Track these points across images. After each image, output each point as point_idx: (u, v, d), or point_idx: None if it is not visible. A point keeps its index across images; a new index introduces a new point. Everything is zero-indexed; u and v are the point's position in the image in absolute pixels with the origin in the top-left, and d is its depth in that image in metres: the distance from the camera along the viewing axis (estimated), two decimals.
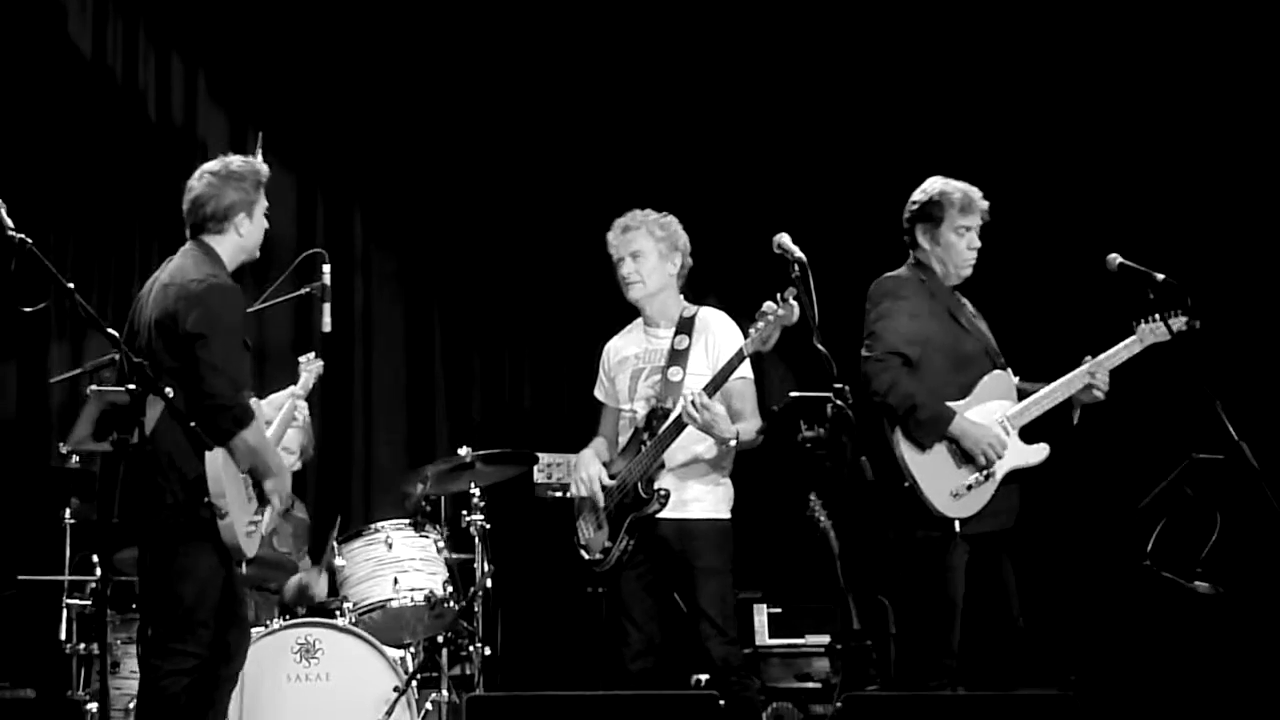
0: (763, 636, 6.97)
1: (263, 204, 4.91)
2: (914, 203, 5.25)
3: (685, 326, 5.31)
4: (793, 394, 6.43)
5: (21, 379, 7.24)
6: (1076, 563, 6.96)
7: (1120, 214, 7.13)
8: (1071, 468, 5.37)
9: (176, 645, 4.61)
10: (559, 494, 7.03)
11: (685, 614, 5.17)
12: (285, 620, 5.66)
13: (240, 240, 4.86)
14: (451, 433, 7.83)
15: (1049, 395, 5.14)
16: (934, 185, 5.24)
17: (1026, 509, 5.16)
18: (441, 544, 5.94)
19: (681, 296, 5.40)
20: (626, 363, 5.39)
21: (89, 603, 5.83)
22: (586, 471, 5.28)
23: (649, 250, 5.29)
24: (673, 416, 5.09)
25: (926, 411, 4.97)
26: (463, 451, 5.99)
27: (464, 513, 6.00)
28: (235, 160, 4.90)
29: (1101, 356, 5.15)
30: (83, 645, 5.83)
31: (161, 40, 7.68)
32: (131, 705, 5.08)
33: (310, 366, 5.74)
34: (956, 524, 4.97)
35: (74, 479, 6.02)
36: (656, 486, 5.11)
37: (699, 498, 5.17)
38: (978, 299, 5.36)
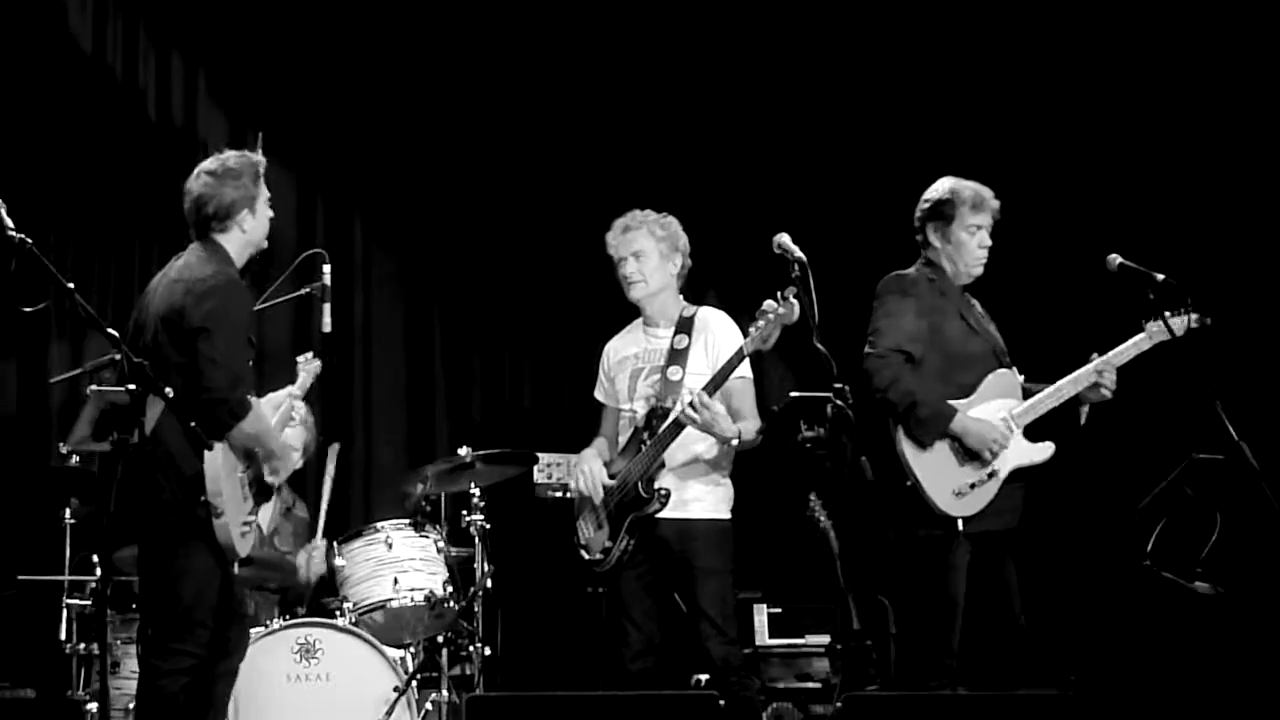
0: (763, 636, 6.95)
1: (264, 195, 4.89)
2: (926, 201, 5.26)
3: (685, 326, 5.30)
4: (793, 394, 6.43)
5: (21, 379, 7.23)
6: (1076, 563, 6.96)
7: (1123, 214, 7.12)
8: (1071, 468, 5.37)
9: (175, 645, 4.61)
10: (559, 494, 7.02)
11: (685, 614, 5.16)
12: (285, 620, 5.66)
13: (246, 236, 4.85)
14: (451, 433, 7.82)
15: (1055, 393, 5.13)
16: (946, 184, 5.24)
17: (1028, 509, 5.16)
18: (442, 543, 5.94)
19: (681, 296, 5.40)
20: (626, 362, 5.39)
21: (89, 603, 5.83)
22: (587, 471, 5.28)
23: (650, 250, 5.29)
24: (672, 416, 5.08)
25: (927, 409, 4.97)
26: (463, 451, 5.99)
27: (464, 513, 6.00)
28: (231, 156, 4.87)
29: (1109, 354, 5.15)
30: (83, 645, 5.82)
31: (161, 39, 7.67)
32: (131, 705, 5.07)
33: (308, 367, 5.72)
34: (959, 523, 4.97)
35: (74, 479, 6.01)
36: (657, 486, 5.10)
37: (699, 497, 5.17)
38: (983, 299, 5.36)
